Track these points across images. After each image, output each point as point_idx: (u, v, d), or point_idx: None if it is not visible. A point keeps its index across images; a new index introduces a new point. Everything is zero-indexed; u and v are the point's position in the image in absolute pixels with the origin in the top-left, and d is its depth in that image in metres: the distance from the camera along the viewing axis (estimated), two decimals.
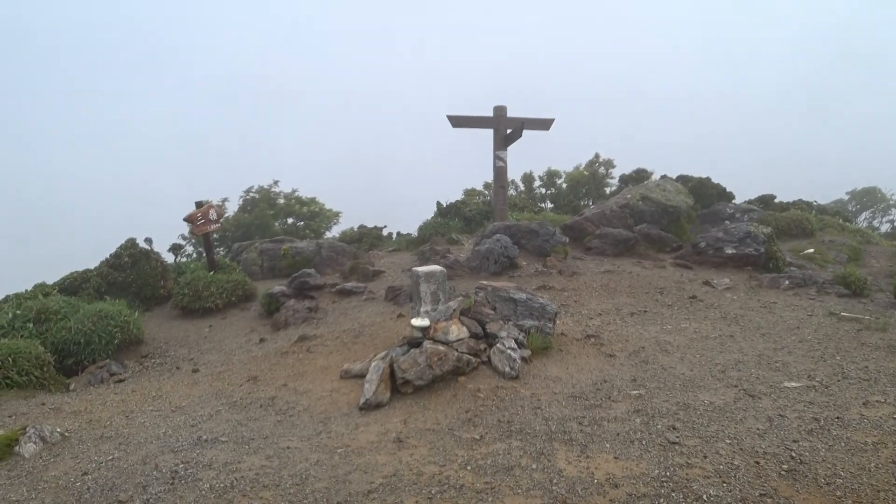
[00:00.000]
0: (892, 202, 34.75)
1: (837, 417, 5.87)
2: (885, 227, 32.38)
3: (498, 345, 7.23)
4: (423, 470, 5.02)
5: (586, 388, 6.72)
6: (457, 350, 6.98)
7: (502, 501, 4.47)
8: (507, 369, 6.92)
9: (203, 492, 4.80)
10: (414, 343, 7.08)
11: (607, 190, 24.84)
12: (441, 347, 6.87)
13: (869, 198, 35.34)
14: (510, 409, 6.17)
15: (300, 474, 5.04)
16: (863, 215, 34.77)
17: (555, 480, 4.75)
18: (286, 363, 8.61)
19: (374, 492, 4.68)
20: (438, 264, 12.60)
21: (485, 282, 8.73)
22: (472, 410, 6.18)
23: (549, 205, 25.66)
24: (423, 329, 7.19)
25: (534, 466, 4.99)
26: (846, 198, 36.03)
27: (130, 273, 13.34)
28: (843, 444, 5.32)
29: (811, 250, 15.48)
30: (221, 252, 22.26)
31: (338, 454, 5.43)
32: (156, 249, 14.65)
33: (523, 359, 7.27)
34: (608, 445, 5.35)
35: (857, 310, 10.40)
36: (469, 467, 5.03)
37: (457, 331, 7.24)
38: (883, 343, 8.22)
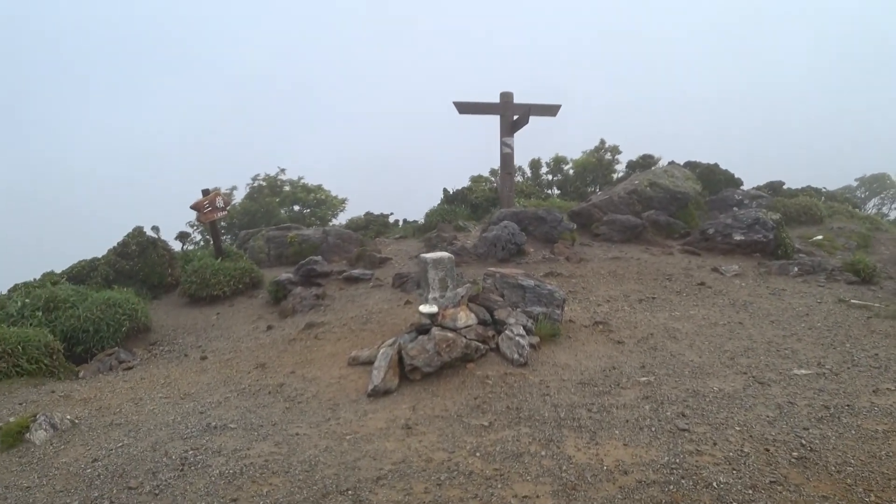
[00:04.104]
0: None
1: (847, 405, 5.84)
2: (893, 214, 31.97)
3: (506, 332, 7.22)
4: (433, 456, 5.02)
5: (595, 375, 6.71)
6: (465, 337, 6.97)
7: (512, 488, 4.46)
8: (516, 356, 6.91)
9: (213, 478, 4.81)
10: (422, 330, 7.07)
11: (614, 176, 24.68)
12: (449, 334, 6.85)
13: (878, 184, 34.79)
14: (519, 396, 6.16)
15: (309, 461, 5.04)
16: (872, 202, 34.31)
17: (564, 467, 4.74)
18: (294, 350, 8.62)
19: (384, 478, 4.68)
20: (445, 251, 12.60)
21: (493, 268, 8.71)
22: (480, 397, 6.17)
23: (556, 191, 25.55)
24: (432, 316, 7.17)
25: (543, 453, 4.98)
26: (855, 184, 35.54)
27: (138, 261, 13.36)
28: (853, 432, 5.29)
29: (820, 237, 15.37)
30: (228, 240, 22.27)
31: (347, 441, 5.44)
32: (163, 238, 14.68)
33: (532, 345, 7.25)
34: (617, 432, 5.33)
35: (866, 297, 10.34)
36: (478, 454, 5.02)
37: (465, 317, 7.23)
38: (893, 331, 8.17)
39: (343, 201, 29.06)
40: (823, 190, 22.67)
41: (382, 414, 6.01)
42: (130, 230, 13.97)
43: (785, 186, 21.56)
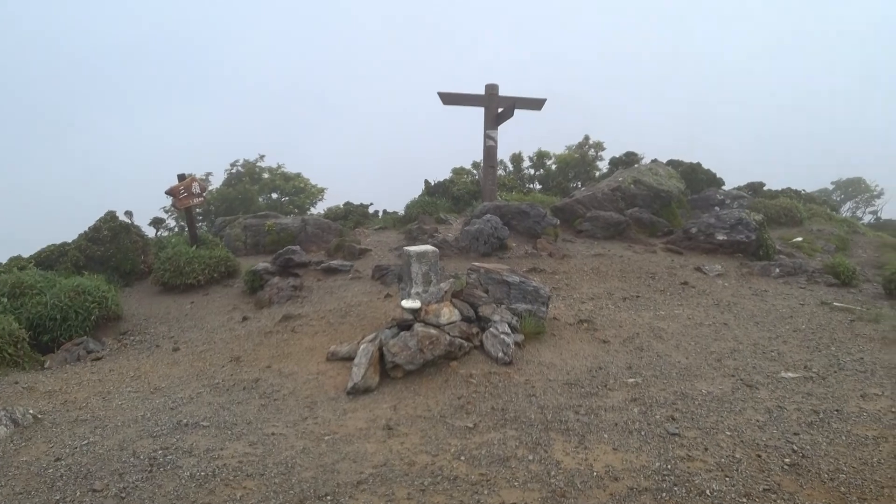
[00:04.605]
0: (875, 193, 34.86)
1: (836, 410, 5.75)
2: (867, 218, 32.47)
3: (491, 329, 7.03)
4: (415, 459, 4.83)
5: (581, 376, 6.55)
6: (448, 334, 6.76)
7: (499, 495, 4.28)
8: (500, 354, 6.72)
9: (183, 480, 4.57)
10: (404, 325, 6.85)
11: (597, 173, 24.59)
12: (432, 331, 6.65)
13: (854, 188, 35.47)
14: (504, 397, 5.98)
15: (286, 462, 4.83)
16: (847, 205, 34.88)
17: (552, 473, 4.58)
18: (270, 343, 8.37)
19: (364, 482, 4.48)
20: (427, 244, 12.38)
21: (477, 263, 8.51)
22: (464, 397, 5.98)
23: (538, 186, 25.41)
24: (414, 311, 6.96)
25: (530, 457, 4.81)
26: (831, 187, 36.16)
27: (110, 247, 12.98)
28: (843, 438, 5.20)
29: (800, 239, 15.40)
30: (204, 227, 21.86)
31: (325, 441, 5.22)
32: (136, 223, 14.29)
33: (516, 344, 7.08)
34: (606, 436, 5.18)
35: (847, 300, 10.31)
36: (463, 457, 4.84)
37: (448, 314, 7.02)
38: (877, 334, 8.12)
39: (322, 190, 28.70)
40: (803, 192, 22.78)
41: (362, 413, 5.80)
42: (102, 214, 13.58)
43: (765, 188, 21.63)
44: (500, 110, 16.06)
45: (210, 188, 25.37)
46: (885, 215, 31.79)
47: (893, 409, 5.82)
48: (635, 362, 6.96)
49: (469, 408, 5.75)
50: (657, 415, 5.57)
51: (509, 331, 7.03)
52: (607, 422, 5.44)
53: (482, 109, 16.25)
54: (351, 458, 4.89)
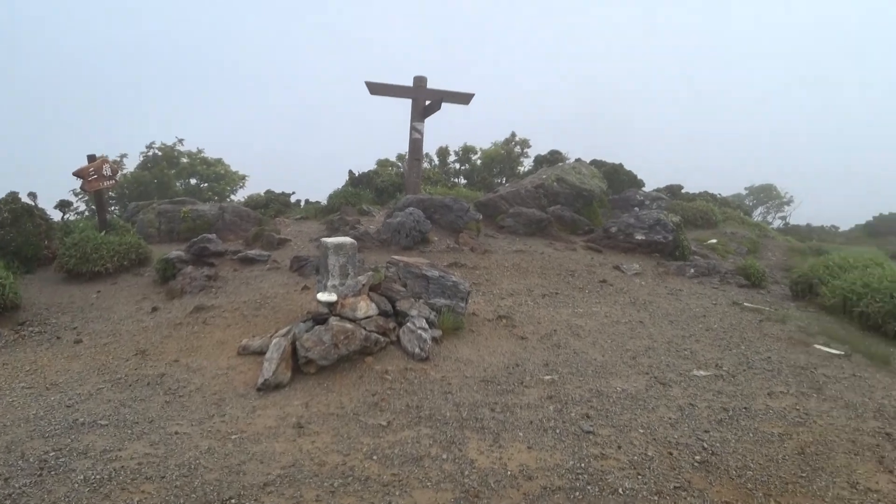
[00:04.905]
0: (785, 199, 36.65)
1: (745, 408, 5.89)
2: (777, 223, 34.24)
3: (408, 324, 6.92)
4: (326, 459, 4.68)
5: (498, 372, 6.51)
6: (364, 328, 6.62)
7: (411, 495, 4.19)
8: (417, 350, 6.62)
9: (76, 485, 4.29)
10: (319, 319, 6.67)
11: (521, 170, 24.83)
12: (348, 325, 6.49)
13: (765, 194, 37.34)
14: (419, 394, 5.89)
15: (188, 464, 4.60)
16: (758, 210, 36.58)
17: (466, 472, 4.51)
18: (179, 336, 8.03)
19: (271, 484, 4.31)
20: (348, 235, 12.18)
21: (397, 257, 8.38)
22: (379, 394, 5.86)
23: (463, 180, 25.47)
24: (330, 304, 6.79)
25: (444, 456, 4.73)
26: (744, 192, 37.84)
27: (10, 231, 12.23)
28: (751, 435, 5.33)
29: (714, 241, 15.88)
30: (118, 212, 20.98)
31: (232, 441, 5.01)
32: (41, 206, 13.53)
33: (434, 339, 6.99)
34: (521, 434, 5.15)
35: (757, 300, 10.65)
36: (375, 457, 4.72)
37: (365, 307, 6.88)
38: (783, 334, 8.39)
39: (243, 177, 28.05)
40: (718, 196, 23.56)
41: (272, 411, 5.60)
42: (2, 196, 12.80)
43: (683, 190, 22.25)
44: (427, 103, 16.01)
45: (124, 171, 24.42)
46: (793, 221, 33.65)
47: (797, 407, 6.00)
48: (552, 359, 6.98)
49: (383, 405, 5.64)
50: (572, 412, 5.59)
51: (426, 326, 6.93)
52: (523, 420, 5.42)
53: (410, 102, 16.15)
54: (258, 458, 4.71)
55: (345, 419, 5.39)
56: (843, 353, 7.80)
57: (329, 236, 13.03)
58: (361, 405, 5.65)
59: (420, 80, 16.12)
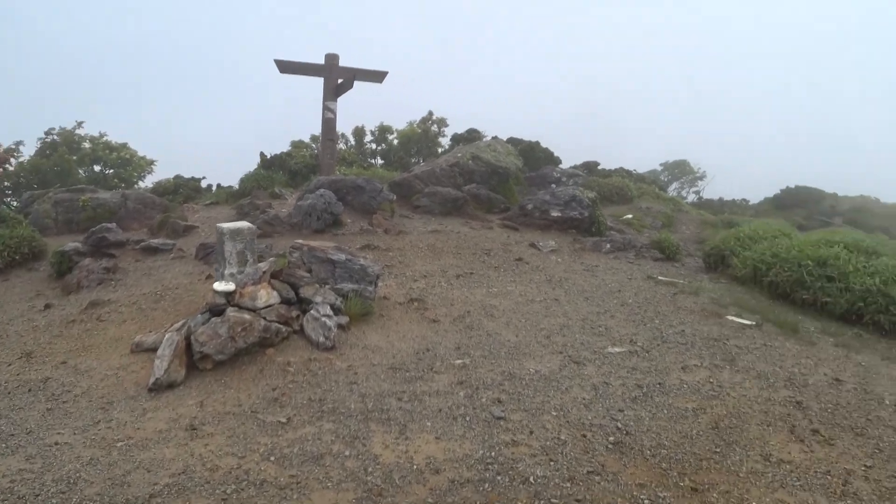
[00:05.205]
0: (698, 175, 37.98)
1: (659, 383, 5.83)
2: (691, 197, 35.54)
3: (312, 311, 6.56)
4: (219, 464, 4.34)
5: (407, 359, 6.24)
6: (265, 318, 6.24)
7: (309, 498, 3.92)
8: (322, 339, 6.28)
9: None
10: (216, 311, 6.25)
11: (439, 149, 24.55)
12: (246, 316, 6.10)
13: (679, 169, 38.59)
14: (323, 386, 5.57)
15: (68, 478, 4.19)
16: (673, 185, 37.80)
17: (370, 469, 4.25)
18: (71, 334, 7.46)
19: (158, 495, 3.95)
20: (258, 220, 11.69)
21: (301, 241, 7.99)
22: (279, 388, 5.51)
23: (380, 161, 25.05)
24: (228, 294, 6.38)
25: (347, 453, 4.45)
26: (660, 168, 38.97)
27: None
28: (665, 412, 5.26)
29: (630, 216, 16.04)
30: (14, 203, 19.72)
31: (117, 449, 4.60)
32: None
33: (340, 326, 6.66)
34: (429, 424, 4.91)
35: (671, 273, 10.73)
36: (273, 458, 4.40)
37: (266, 296, 6.49)
38: (696, 307, 8.43)
39: (151, 163, 26.77)
40: (634, 172, 23.92)
41: (164, 413, 5.20)
42: None
43: (599, 167, 22.48)
44: (339, 81, 15.51)
45: (20, 158, 23.03)
46: (706, 195, 34.93)
47: (711, 380, 5.98)
48: (464, 342, 6.76)
49: (284, 400, 5.30)
50: (483, 398, 5.38)
51: (331, 313, 6.58)
52: (431, 408, 5.18)
53: (322, 80, 15.64)
54: (146, 466, 4.33)
55: (242, 418, 5.04)
56: (754, 323, 7.88)
57: (239, 220, 12.52)
58: (260, 401, 5.30)
59: (332, 58, 15.62)
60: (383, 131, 25.19)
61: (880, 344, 7.71)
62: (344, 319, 6.80)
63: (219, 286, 6.39)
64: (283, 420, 4.96)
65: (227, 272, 6.59)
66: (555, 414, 5.12)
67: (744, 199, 32.69)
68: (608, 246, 12.13)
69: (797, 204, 29.83)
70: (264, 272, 6.72)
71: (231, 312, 6.10)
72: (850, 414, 5.48)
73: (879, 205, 38.45)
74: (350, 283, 7.33)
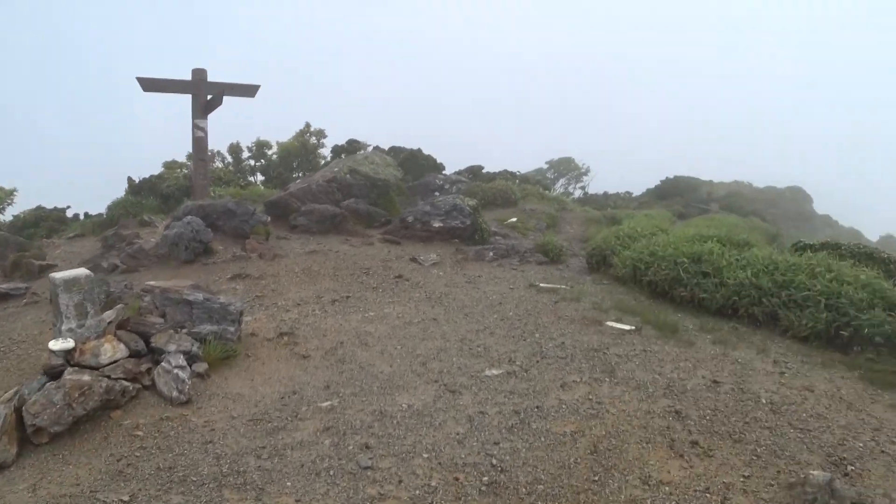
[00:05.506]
0: (583, 171, 39.36)
1: (537, 407, 5.61)
2: (577, 193, 36.93)
3: (164, 363, 5.94)
4: None
5: (271, 406, 5.75)
6: (109, 377, 5.60)
7: None
8: (175, 393, 5.70)
9: None
10: (53, 373, 5.55)
11: (321, 162, 23.99)
12: (86, 377, 5.44)
13: (564, 166, 39.91)
14: (175, 449, 5.02)
15: None
16: (560, 182, 38.94)
17: None
18: None
19: None
20: (122, 253, 10.93)
21: (153, 283, 7.40)
22: (125, 458, 4.92)
23: (260, 178, 24.26)
24: (67, 352, 5.71)
25: None
26: (545, 167, 40.02)
27: None
28: (542, 440, 5.04)
29: (514, 219, 16.06)
30: None
31: None
32: None
33: (199, 375, 6.11)
34: (289, 484, 4.49)
35: (554, 278, 10.67)
36: None
37: (112, 350, 5.86)
38: (577, 315, 8.34)
39: (11, 192, 24.86)
40: (518, 173, 24.20)
41: None
42: None
43: (484, 170, 22.55)
44: (209, 97, 14.77)
45: None
46: (591, 190, 36.19)
47: (590, 397, 5.83)
48: (335, 379, 6.33)
49: (129, 472, 4.72)
50: (351, 444, 4.99)
51: (185, 363, 5.97)
52: (293, 464, 4.75)
53: (190, 97, 14.84)
54: None
55: (79, 499, 4.45)
56: (634, 327, 7.86)
57: (103, 254, 11.62)
58: (102, 477, 4.69)
59: (199, 73, 14.84)
60: (261, 146, 24.35)
61: (755, 336, 7.82)
62: (202, 367, 6.23)
63: (55, 345, 5.72)
64: (126, 498, 4.39)
65: (64, 328, 5.91)
66: (426, 456, 4.80)
67: (627, 192, 33.85)
68: (491, 254, 12.00)
69: (677, 193, 31.07)
70: (109, 323, 6.09)
71: (68, 375, 5.43)
72: (727, 419, 5.43)
73: (752, 189, 40.77)
74: (210, 324, 6.78)
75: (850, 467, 4.68)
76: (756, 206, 31.08)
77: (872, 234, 42.72)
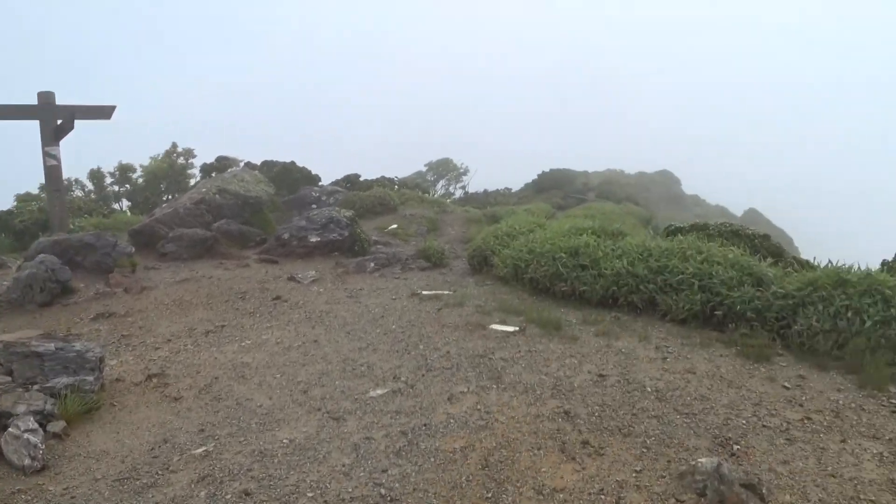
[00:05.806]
0: (462, 171, 39.86)
1: (425, 424, 5.41)
2: (458, 193, 37.44)
3: (11, 428, 5.32)
4: None
5: (140, 459, 5.24)
6: None
7: None
8: (28, 461, 5.07)
9: None
10: None
11: (191, 182, 22.99)
12: None
13: (444, 168, 40.28)
14: None
15: None
16: (440, 183, 39.33)
17: None
18: None
19: None
20: None
21: None
22: None
23: (127, 203, 22.97)
24: None
25: None
26: (425, 169, 40.36)
27: None
28: (432, 460, 4.83)
29: (395, 226, 15.91)
30: None
31: None
32: None
33: (56, 436, 5.50)
34: None
35: (437, 284, 10.55)
36: None
37: None
38: (461, 321, 8.23)
39: None
40: (396, 178, 24.09)
41: None
42: None
43: (361, 179, 22.31)
44: (59, 122, 13.76)
45: None
46: (471, 189, 36.73)
47: (479, 407, 5.69)
48: (210, 420, 5.88)
49: None
50: (228, 493, 4.60)
51: (36, 426, 5.36)
52: None
53: (38, 123, 13.78)
54: None
55: None
56: (518, 328, 7.81)
57: None
58: None
59: (46, 96, 13.82)
60: (125, 170, 23.05)
61: (637, 324, 7.96)
62: (59, 426, 5.62)
63: None
64: None
65: None
66: (311, 495, 4.49)
67: (507, 188, 34.46)
68: (372, 265, 11.77)
69: (554, 185, 31.86)
70: None
71: None
72: (616, 413, 5.43)
73: (625, 176, 42.55)
74: (65, 376, 6.16)
75: (735, 446, 4.76)
76: (629, 191, 32.35)
77: (737, 208, 45.50)
